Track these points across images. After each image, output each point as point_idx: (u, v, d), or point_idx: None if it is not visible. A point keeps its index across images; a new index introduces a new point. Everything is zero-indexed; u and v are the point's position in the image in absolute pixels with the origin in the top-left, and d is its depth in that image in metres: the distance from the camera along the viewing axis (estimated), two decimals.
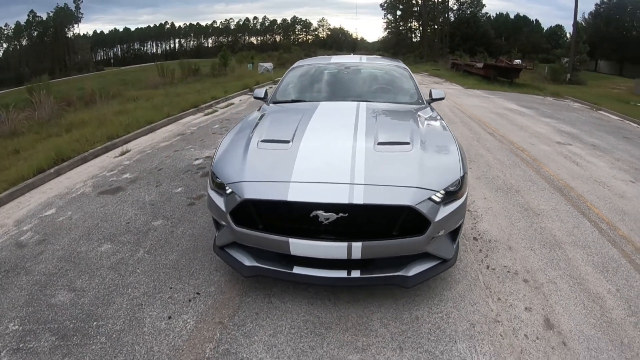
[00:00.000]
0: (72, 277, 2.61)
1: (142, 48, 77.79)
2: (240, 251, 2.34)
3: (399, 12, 55.25)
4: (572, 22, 21.26)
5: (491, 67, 20.10)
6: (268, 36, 77.80)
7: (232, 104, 10.44)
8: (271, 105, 3.57)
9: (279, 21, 78.53)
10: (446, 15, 50.52)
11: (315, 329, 2.12)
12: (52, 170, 4.69)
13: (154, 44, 78.69)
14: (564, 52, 23.99)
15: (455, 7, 51.80)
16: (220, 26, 78.95)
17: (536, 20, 54.92)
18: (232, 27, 78.80)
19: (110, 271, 2.66)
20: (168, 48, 77.88)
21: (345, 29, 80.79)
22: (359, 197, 2.02)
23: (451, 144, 2.59)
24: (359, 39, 76.87)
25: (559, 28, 50.58)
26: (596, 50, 31.62)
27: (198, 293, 2.42)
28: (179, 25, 79.75)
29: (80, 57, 52.77)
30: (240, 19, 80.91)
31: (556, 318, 2.23)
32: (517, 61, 24.40)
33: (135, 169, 4.84)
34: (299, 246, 2.09)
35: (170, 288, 2.47)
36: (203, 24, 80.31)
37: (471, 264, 2.74)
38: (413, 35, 56.44)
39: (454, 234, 2.33)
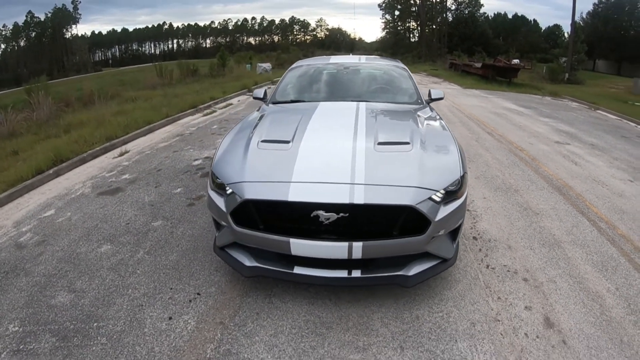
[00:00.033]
0: (72, 278, 2.60)
1: (140, 49, 77.76)
2: (241, 251, 2.33)
3: (397, 12, 55.42)
4: (570, 21, 21.38)
5: (489, 67, 20.11)
6: (266, 36, 77.78)
7: (231, 104, 10.43)
8: (271, 105, 3.57)
9: (277, 21, 78.69)
10: (444, 15, 50.67)
11: (316, 329, 2.12)
12: (51, 171, 4.68)
13: (152, 45, 78.72)
14: (562, 51, 24.04)
15: (453, 7, 52.07)
16: (219, 26, 79.03)
17: (534, 20, 55.20)
18: (231, 28, 78.82)
19: (110, 272, 2.66)
20: (166, 48, 77.92)
21: (343, 29, 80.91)
22: (360, 197, 2.03)
23: (451, 144, 2.60)
24: (357, 39, 76.92)
25: (557, 28, 50.74)
26: (594, 49, 31.69)
27: (198, 293, 2.42)
28: (177, 26, 79.92)
29: (79, 57, 52.75)
30: (238, 20, 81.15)
31: (556, 317, 2.24)
32: (515, 61, 24.49)
33: (135, 170, 4.84)
34: (299, 246, 2.09)
35: (171, 289, 2.47)
36: (201, 24, 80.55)
37: (471, 264, 2.75)
38: (411, 35, 56.59)
39: (454, 234, 2.34)
